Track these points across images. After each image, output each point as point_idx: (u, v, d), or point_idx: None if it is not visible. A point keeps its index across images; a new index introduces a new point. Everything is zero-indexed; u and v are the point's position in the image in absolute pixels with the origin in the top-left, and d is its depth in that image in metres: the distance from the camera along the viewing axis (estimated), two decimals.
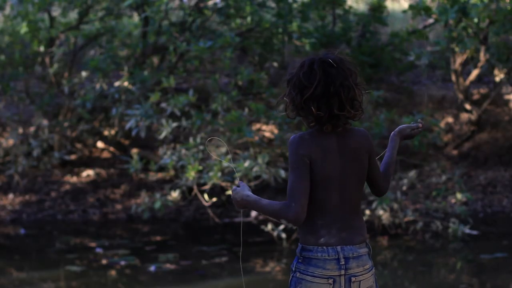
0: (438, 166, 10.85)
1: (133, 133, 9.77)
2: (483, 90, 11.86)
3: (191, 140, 9.51)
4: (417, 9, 9.88)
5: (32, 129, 11.43)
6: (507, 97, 11.82)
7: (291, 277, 3.21)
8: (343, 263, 3.15)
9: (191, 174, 9.15)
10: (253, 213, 10.40)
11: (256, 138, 9.49)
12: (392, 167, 3.41)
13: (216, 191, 9.81)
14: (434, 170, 10.80)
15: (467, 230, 9.05)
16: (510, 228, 9.89)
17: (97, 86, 10.68)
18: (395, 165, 3.43)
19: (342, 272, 3.16)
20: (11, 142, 11.42)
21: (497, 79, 10.87)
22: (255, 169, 9.03)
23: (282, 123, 9.54)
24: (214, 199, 9.52)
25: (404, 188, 9.84)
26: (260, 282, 7.81)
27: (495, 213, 10.36)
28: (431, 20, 10.77)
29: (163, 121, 9.51)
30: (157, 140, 10.66)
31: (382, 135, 9.26)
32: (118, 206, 10.92)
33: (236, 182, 3.38)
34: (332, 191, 3.17)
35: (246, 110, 9.72)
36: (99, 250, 9.04)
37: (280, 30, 10.61)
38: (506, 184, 10.92)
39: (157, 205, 9.40)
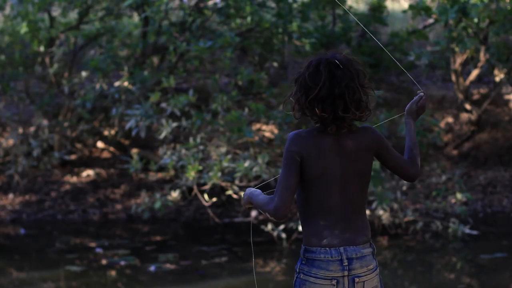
0: (438, 166, 10.85)
1: (133, 133, 9.77)
2: (483, 90, 11.86)
3: (191, 140, 9.51)
4: (417, 9, 9.88)
5: (32, 129, 11.43)
6: (507, 97, 11.82)
7: (295, 278, 3.21)
8: (346, 264, 3.15)
9: (191, 174, 9.15)
10: (253, 213, 10.40)
11: (256, 138, 9.49)
12: (416, 149, 3.33)
13: (216, 191, 9.81)
14: (434, 170, 10.80)
15: (467, 230, 9.05)
16: (510, 228, 9.89)
17: (97, 86, 10.68)
18: (417, 146, 3.35)
19: (346, 273, 3.15)
20: (11, 142, 11.42)
21: (497, 79, 10.87)
22: (255, 169, 9.03)
23: (282, 123, 9.54)
24: (214, 199, 9.52)
25: (404, 188, 9.84)
26: (260, 282, 7.81)
27: (495, 213, 10.36)
28: (431, 20, 10.77)
29: (163, 121, 9.51)
30: (157, 140, 10.66)
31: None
32: (118, 206, 10.92)
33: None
34: (333, 192, 3.16)
35: (246, 110, 9.72)
36: (99, 250, 9.04)
37: (280, 30, 10.61)
38: (506, 184, 10.92)
39: (157, 205, 9.40)
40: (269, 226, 9.02)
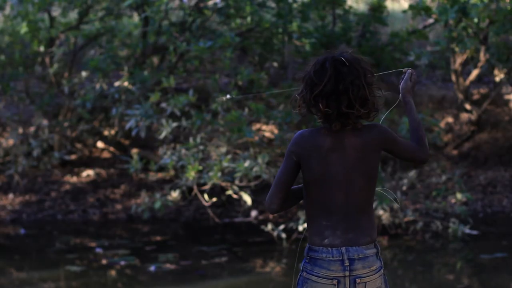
0: (438, 166, 10.85)
1: (133, 133, 9.77)
2: (483, 90, 11.86)
3: (191, 140, 9.51)
4: (417, 9, 9.87)
5: (32, 129, 11.43)
6: (507, 97, 11.82)
7: (298, 276, 3.23)
8: (347, 264, 3.15)
9: (191, 174, 9.15)
10: (253, 213, 10.40)
11: (256, 138, 9.49)
12: (420, 129, 3.36)
13: (216, 191, 9.81)
14: (434, 170, 10.80)
15: (467, 230, 9.05)
16: (510, 228, 9.89)
17: (97, 86, 10.68)
18: (421, 126, 3.39)
19: (347, 273, 3.15)
20: (11, 142, 11.42)
21: (497, 79, 10.87)
22: (255, 169, 9.03)
23: (282, 123, 9.54)
24: (214, 199, 9.52)
25: (404, 188, 9.84)
26: (260, 282, 7.81)
27: (495, 213, 10.36)
28: (431, 20, 10.76)
29: (163, 121, 9.51)
30: (157, 140, 10.66)
31: None
32: (118, 206, 10.92)
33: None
34: (336, 192, 3.16)
35: (246, 110, 9.72)
36: (99, 250, 9.04)
37: (280, 30, 10.60)
38: (506, 184, 10.92)
39: (157, 205, 9.40)
40: (269, 226, 9.02)
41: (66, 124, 11.32)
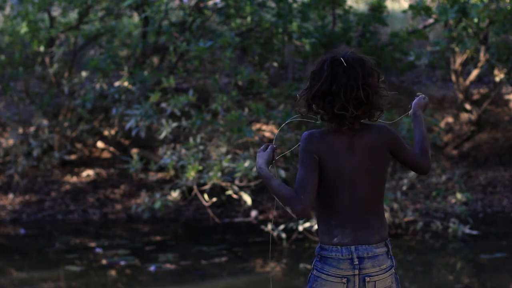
0: (438, 166, 10.85)
1: (133, 133, 9.77)
2: (483, 90, 11.86)
3: (191, 140, 9.51)
4: (417, 9, 9.87)
5: (32, 129, 11.43)
6: (507, 97, 11.82)
7: (309, 274, 3.24)
8: (357, 263, 3.16)
9: (191, 174, 9.15)
10: (253, 213, 10.40)
11: (256, 138, 9.49)
12: (426, 142, 3.39)
13: (216, 191, 9.81)
14: (434, 170, 10.80)
15: (467, 230, 9.05)
16: (510, 228, 9.89)
17: (97, 86, 10.68)
18: (427, 140, 3.43)
19: (356, 272, 3.16)
20: (11, 142, 11.42)
21: (497, 79, 10.87)
22: (255, 169, 9.02)
23: (282, 123, 9.54)
24: (214, 199, 9.52)
25: (404, 188, 9.84)
26: (260, 282, 7.81)
27: (495, 213, 10.36)
28: (431, 20, 10.77)
29: (163, 121, 9.51)
30: (157, 140, 10.66)
31: None
32: (118, 206, 10.92)
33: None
34: (345, 191, 3.17)
35: (246, 110, 9.72)
36: (99, 250, 9.04)
37: (280, 30, 10.61)
38: (506, 184, 10.92)
39: (157, 205, 9.40)
40: (269, 226, 9.02)
41: (66, 124, 11.32)
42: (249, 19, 10.39)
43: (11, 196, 11.20)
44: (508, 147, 11.44)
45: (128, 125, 9.74)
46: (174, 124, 9.45)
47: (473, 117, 11.39)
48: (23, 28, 10.93)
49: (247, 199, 9.24)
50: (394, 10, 13.43)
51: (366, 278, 3.18)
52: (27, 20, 10.84)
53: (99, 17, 11.38)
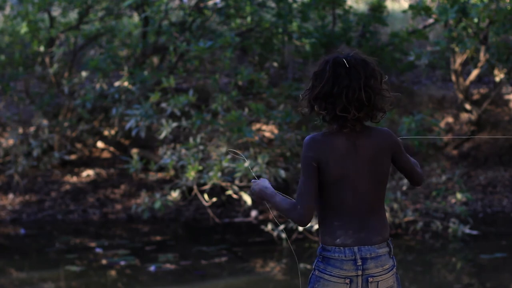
0: (438, 166, 10.85)
1: (133, 133, 9.77)
2: (483, 90, 11.86)
3: (191, 140, 9.51)
4: (417, 9, 9.87)
5: (32, 129, 11.43)
6: (507, 97, 11.81)
7: (311, 274, 3.25)
8: (360, 263, 3.17)
9: (191, 174, 9.15)
10: (253, 213, 10.40)
11: (256, 138, 9.49)
12: (413, 157, 3.43)
13: (216, 191, 9.81)
14: (434, 170, 10.80)
15: (467, 230, 9.05)
16: (510, 228, 9.89)
17: (97, 86, 10.68)
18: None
19: (359, 272, 3.17)
20: (11, 142, 11.41)
21: (497, 79, 10.87)
22: (255, 169, 9.03)
23: (282, 123, 9.54)
24: (214, 199, 9.52)
25: (404, 188, 9.84)
26: (260, 282, 7.81)
27: (495, 213, 10.36)
28: (431, 20, 10.76)
29: (163, 121, 9.51)
30: (157, 140, 10.66)
31: None
32: (118, 206, 10.92)
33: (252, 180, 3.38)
34: (347, 192, 3.18)
35: (246, 110, 9.72)
36: (99, 250, 9.04)
37: (280, 30, 10.61)
38: (506, 184, 10.92)
39: (157, 205, 9.40)
40: (269, 226, 9.02)
41: (66, 124, 11.32)
42: (249, 19, 10.39)
43: (11, 196, 11.20)
44: (508, 147, 11.44)
45: (128, 125, 9.74)
46: (174, 124, 9.45)
47: (473, 117, 11.39)
48: (23, 28, 10.93)
49: (247, 199, 9.23)
50: (394, 10, 13.43)
51: (369, 278, 3.19)
52: (27, 20, 10.84)
53: (99, 17, 11.38)
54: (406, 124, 9.07)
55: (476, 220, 9.80)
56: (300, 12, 10.59)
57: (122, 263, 8.41)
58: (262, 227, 9.25)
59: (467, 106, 11.36)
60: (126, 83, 10.26)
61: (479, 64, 10.63)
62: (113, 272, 8.21)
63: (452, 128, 11.66)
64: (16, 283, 8.08)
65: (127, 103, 10.28)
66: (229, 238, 9.64)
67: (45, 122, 11.28)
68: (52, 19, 11.42)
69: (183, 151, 9.47)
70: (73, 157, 11.73)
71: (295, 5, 10.61)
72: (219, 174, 9.05)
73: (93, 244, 9.43)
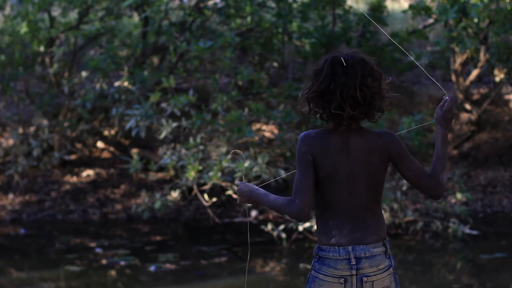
0: None
1: (133, 133, 9.77)
2: (483, 90, 11.86)
3: (191, 140, 9.51)
4: (417, 9, 9.87)
5: (32, 129, 11.43)
6: (507, 97, 11.82)
7: (308, 274, 3.26)
8: (354, 263, 3.17)
9: (191, 174, 9.15)
10: (253, 213, 10.40)
11: (256, 138, 9.49)
12: (441, 161, 3.19)
13: (216, 191, 9.81)
14: None
15: (467, 230, 9.05)
16: (510, 228, 9.89)
17: (97, 86, 10.68)
18: (446, 158, 3.21)
19: (354, 272, 3.17)
20: (11, 142, 11.42)
21: (497, 79, 10.87)
22: (255, 169, 9.03)
23: (282, 123, 9.54)
24: (214, 199, 9.52)
25: (404, 188, 9.84)
26: (260, 282, 7.81)
27: (495, 213, 10.36)
28: (431, 20, 10.76)
29: (163, 121, 9.51)
30: (157, 140, 10.66)
31: None
32: (118, 206, 10.92)
33: (237, 181, 3.36)
34: (341, 191, 3.18)
35: (246, 110, 9.72)
36: (99, 250, 9.04)
37: (280, 30, 10.61)
38: (506, 184, 10.92)
39: (157, 205, 9.40)
40: (269, 226, 9.02)
41: (66, 124, 11.32)
42: (249, 19, 10.39)
43: (11, 196, 11.20)
44: (508, 147, 11.44)
45: (128, 125, 9.74)
46: (174, 124, 9.45)
47: (473, 117, 11.39)
48: (23, 28, 10.93)
49: None
50: (394, 10, 13.43)
51: (363, 278, 3.18)
52: (27, 20, 10.84)
53: (99, 17, 11.38)
54: (406, 124, 9.06)
55: (476, 220, 9.80)
56: (300, 12, 10.59)
57: (122, 263, 8.41)
58: (262, 227, 9.25)
59: (467, 106, 11.36)
60: (126, 83, 10.26)
61: (479, 64, 10.63)
62: (113, 272, 8.21)
63: (452, 128, 11.67)
64: (16, 283, 8.08)
65: (127, 103, 10.28)
66: (229, 238, 9.64)
67: (45, 122, 11.28)
68: (52, 19, 11.41)
69: (183, 151, 9.47)
70: (73, 157, 11.73)
71: (295, 5, 10.61)
72: (219, 174, 9.05)
73: (93, 244, 9.42)
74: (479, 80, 11.84)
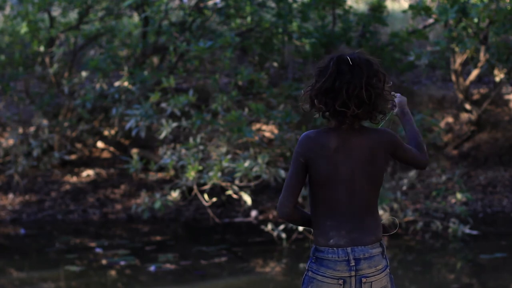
0: (438, 166, 10.85)
1: (133, 133, 9.77)
2: (483, 90, 11.86)
3: (191, 140, 9.51)
4: (417, 9, 9.87)
5: (32, 129, 11.43)
6: (507, 97, 11.82)
7: (304, 275, 3.25)
8: (353, 264, 3.17)
9: (191, 174, 9.15)
10: (253, 213, 10.40)
11: (256, 138, 9.49)
12: (419, 137, 3.42)
13: (216, 191, 9.81)
14: (434, 170, 10.80)
15: (467, 230, 9.05)
16: (510, 228, 9.89)
17: (97, 86, 10.68)
18: (420, 134, 3.47)
19: (353, 273, 3.17)
20: (11, 142, 11.41)
21: (497, 79, 10.87)
22: (255, 169, 9.03)
23: (282, 123, 9.54)
24: (214, 199, 9.52)
25: (404, 188, 9.84)
26: (260, 282, 7.81)
27: (495, 213, 10.36)
28: (431, 20, 10.77)
29: (163, 121, 9.51)
30: (157, 140, 10.66)
31: None
32: (118, 206, 10.92)
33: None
34: (340, 192, 3.18)
35: (246, 110, 9.72)
36: (99, 250, 9.04)
37: (280, 30, 10.61)
38: (506, 184, 10.92)
39: (157, 205, 9.40)
40: (269, 226, 9.02)
41: (66, 124, 11.32)
42: (249, 19, 10.39)
43: (11, 196, 11.20)
44: (508, 147, 11.44)
45: (128, 125, 9.74)
46: (174, 124, 9.45)
47: (473, 117, 11.39)
48: (23, 28, 10.93)
49: (247, 199, 9.24)
50: (394, 10, 13.43)
51: (362, 279, 3.18)
52: (27, 20, 10.84)
53: (99, 17, 11.38)
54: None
55: (476, 220, 9.80)
56: (300, 12, 10.59)
57: (122, 263, 8.41)
58: (262, 227, 9.25)
59: (467, 106, 11.36)
60: (126, 83, 10.26)
61: (479, 64, 10.63)
62: (113, 272, 8.21)
63: (452, 128, 11.67)
64: (16, 283, 8.08)
65: (127, 103, 10.28)
66: (229, 238, 9.64)
67: (45, 122, 11.28)
68: (52, 19, 11.42)
69: (183, 151, 9.47)
70: (73, 157, 11.73)
71: (295, 5, 10.61)
72: (219, 174, 9.05)
73: (93, 244, 9.42)
74: (479, 80, 11.84)
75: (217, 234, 9.84)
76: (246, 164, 8.97)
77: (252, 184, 9.24)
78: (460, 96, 11.29)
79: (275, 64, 11.52)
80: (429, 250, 8.85)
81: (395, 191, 9.47)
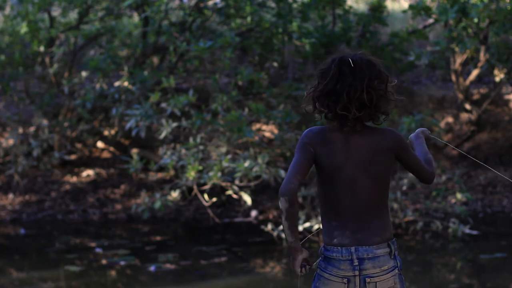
0: (438, 166, 10.85)
1: (133, 133, 9.77)
2: (483, 90, 11.86)
3: (191, 140, 9.51)
4: (417, 9, 9.87)
5: (32, 129, 11.43)
6: (507, 97, 11.81)
7: (315, 273, 3.27)
8: (357, 264, 3.16)
9: (191, 174, 9.15)
10: (253, 213, 10.40)
11: (256, 138, 9.49)
12: (428, 154, 3.41)
13: (216, 191, 9.81)
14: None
15: (467, 230, 9.05)
16: (510, 228, 9.89)
17: (97, 86, 10.68)
18: (429, 154, 3.45)
19: (356, 272, 3.17)
20: (11, 142, 11.41)
21: (497, 79, 10.87)
22: (255, 169, 9.02)
23: (282, 123, 9.54)
24: (214, 199, 9.52)
25: (404, 188, 9.84)
26: (260, 282, 7.81)
27: (495, 213, 10.36)
28: (431, 20, 10.76)
29: (163, 121, 9.51)
30: (157, 140, 10.66)
31: None
32: (118, 206, 10.92)
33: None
34: (345, 191, 3.17)
35: (246, 110, 9.72)
36: (99, 250, 9.04)
37: (280, 30, 10.61)
38: (506, 184, 10.92)
39: (157, 205, 9.40)
40: (269, 226, 9.02)
41: (66, 124, 11.32)
42: (249, 19, 10.39)
43: (11, 196, 11.20)
44: (508, 147, 11.44)
45: (128, 125, 9.74)
46: (174, 124, 9.45)
47: (473, 117, 11.39)
48: (23, 28, 10.93)
49: (247, 199, 9.24)
50: (394, 10, 13.43)
51: (366, 279, 3.18)
52: (27, 20, 10.84)
53: (99, 17, 11.37)
54: (406, 124, 9.07)
55: (476, 220, 9.80)
56: (300, 12, 10.59)
57: (122, 263, 8.41)
58: (262, 227, 9.25)
59: (467, 106, 11.35)
60: (126, 83, 10.26)
61: (479, 64, 10.63)
62: (113, 272, 8.22)
63: (452, 128, 11.67)
64: (16, 283, 8.08)
65: (127, 103, 10.28)
66: (229, 238, 9.64)
67: (45, 122, 11.28)
68: (52, 19, 11.41)
69: (183, 151, 9.47)
70: (73, 157, 11.73)
71: (295, 5, 10.61)
72: (219, 174, 9.05)
73: (93, 244, 9.43)
74: (479, 80, 11.84)
75: (217, 234, 9.84)
76: (246, 164, 8.97)
77: (252, 184, 9.24)
78: (460, 96, 11.29)
79: (275, 64, 11.52)
80: (429, 250, 8.85)
81: (395, 191, 9.47)
